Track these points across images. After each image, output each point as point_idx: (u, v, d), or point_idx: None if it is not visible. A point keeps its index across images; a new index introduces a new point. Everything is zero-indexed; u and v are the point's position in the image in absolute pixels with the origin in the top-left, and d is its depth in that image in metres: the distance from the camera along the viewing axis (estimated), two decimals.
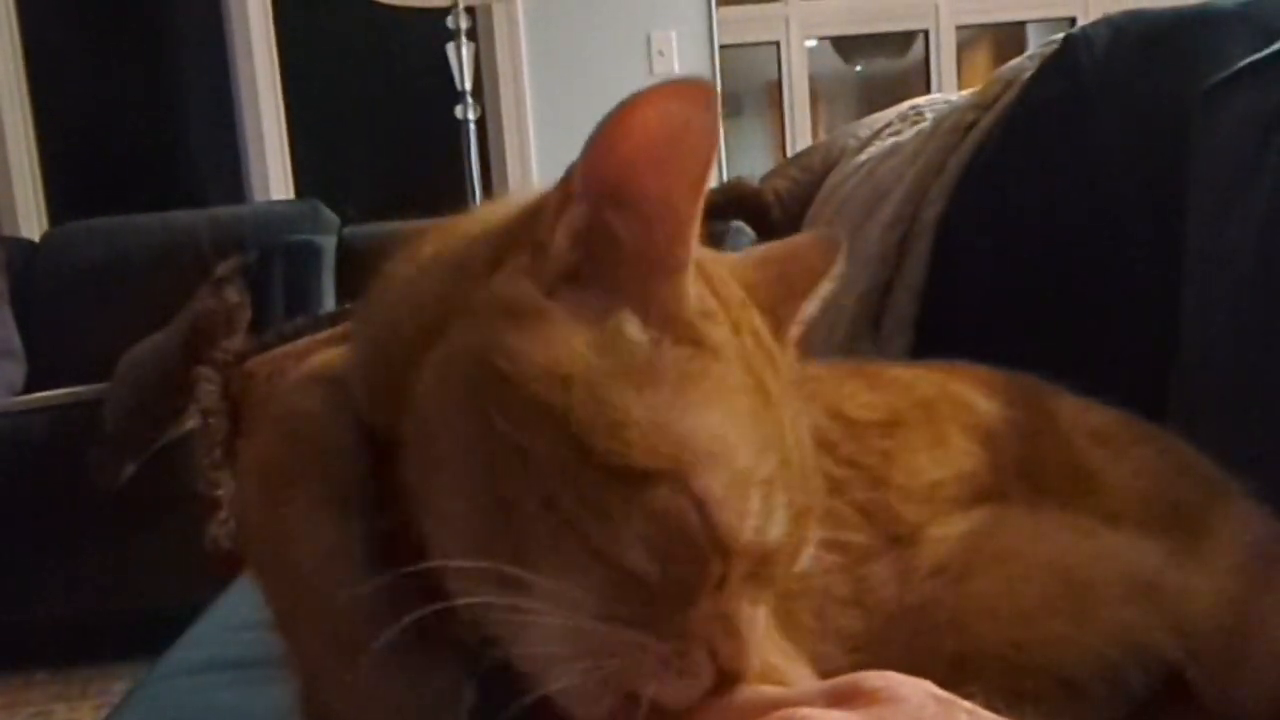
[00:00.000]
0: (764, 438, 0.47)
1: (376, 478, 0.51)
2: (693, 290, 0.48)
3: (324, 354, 0.60)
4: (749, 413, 0.47)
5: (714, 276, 0.50)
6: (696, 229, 0.47)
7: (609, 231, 0.47)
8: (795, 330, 0.57)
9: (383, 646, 0.48)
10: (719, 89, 4.10)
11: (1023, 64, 1.34)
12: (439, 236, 0.55)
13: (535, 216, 0.49)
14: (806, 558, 0.51)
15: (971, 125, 1.36)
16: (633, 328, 0.47)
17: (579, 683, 0.45)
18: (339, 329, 1.90)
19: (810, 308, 0.57)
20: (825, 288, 0.58)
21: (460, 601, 0.46)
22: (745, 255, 0.59)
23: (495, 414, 0.45)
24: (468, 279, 0.49)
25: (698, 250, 0.49)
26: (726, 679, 0.46)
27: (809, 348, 0.59)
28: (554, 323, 0.46)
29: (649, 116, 0.45)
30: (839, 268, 0.58)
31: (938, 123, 1.46)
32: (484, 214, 0.54)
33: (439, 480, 0.47)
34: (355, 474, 0.52)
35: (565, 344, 0.46)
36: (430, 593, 0.48)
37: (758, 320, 0.52)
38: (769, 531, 0.46)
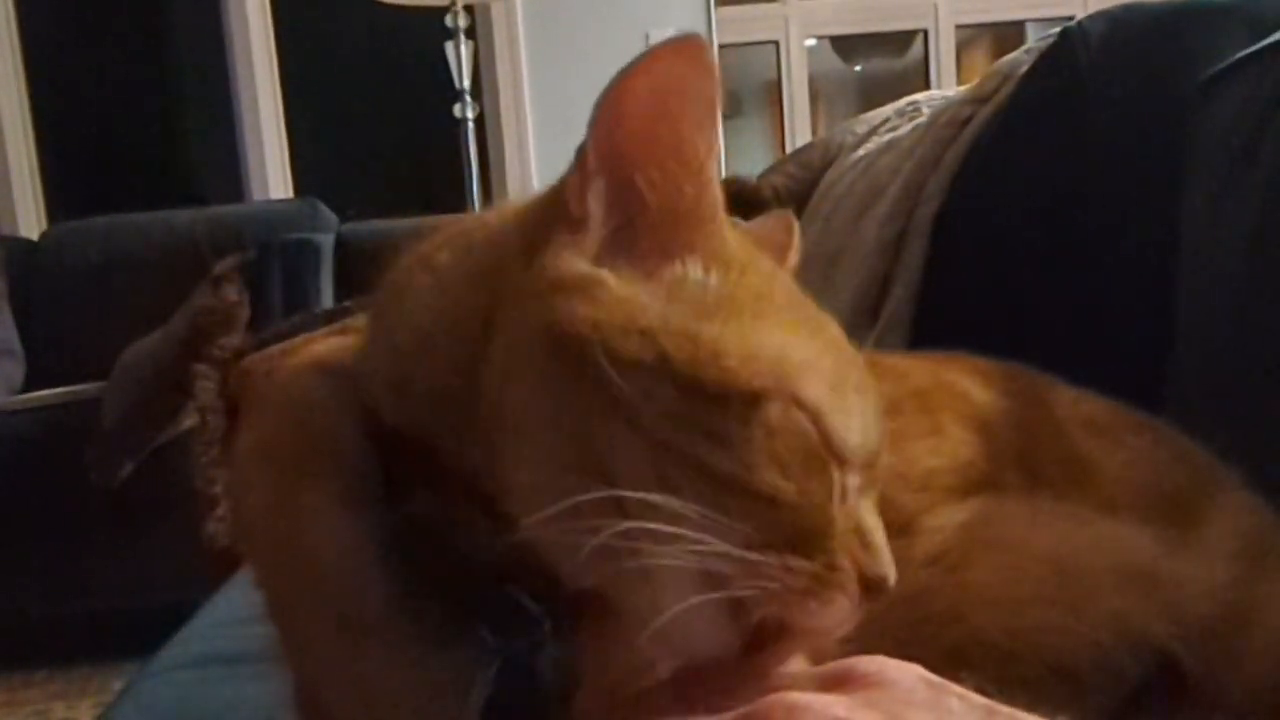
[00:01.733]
0: (841, 352, 0.50)
1: (385, 467, 0.52)
2: (730, 233, 0.50)
3: (322, 344, 0.60)
4: (819, 328, 0.50)
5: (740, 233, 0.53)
6: (716, 174, 0.49)
7: (634, 194, 0.49)
8: None
9: (393, 634, 0.49)
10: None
11: (1019, 58, 1.34)
12: (452, 243, 0.55)
13: (559, 200, 0.50)
14: (886, 458, 0.52)
15: (968, 119, 1.36)
16: (695, 269, 0.49)
17: (708, 613, 0.45)
18: (337, 327, 1.90)
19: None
20: (792, 259, 0.62)
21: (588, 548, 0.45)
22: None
23: (585, 382, 0.46)
24: (504, 274, 0.50)
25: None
26: (873, 589, 0.47)
27: None
28: (610, 287, 0.48)
29: (648, 78, 0.47)
30: (798, 239, 0.63)
31: (934, 117, 1.46)
32: (496, 218, 0.55)
33: (533, 454, 0.47)
34: (362, 463, 0.52)
35: (631, 302, 0.47)
36: (449, 581, 0.48)
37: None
38: (869, 437, 0.49)
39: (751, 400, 0.45)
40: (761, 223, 0.65)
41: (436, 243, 0.56)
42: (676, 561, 0.44)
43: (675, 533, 0.44)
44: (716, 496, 0.45)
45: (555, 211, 0.50)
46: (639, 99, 0.47)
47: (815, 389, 0.46)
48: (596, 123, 0.48)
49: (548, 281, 0.48)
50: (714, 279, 0.49)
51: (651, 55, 0.47)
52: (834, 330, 0.52)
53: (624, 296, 0.47)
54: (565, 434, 0.46)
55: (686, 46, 0.47)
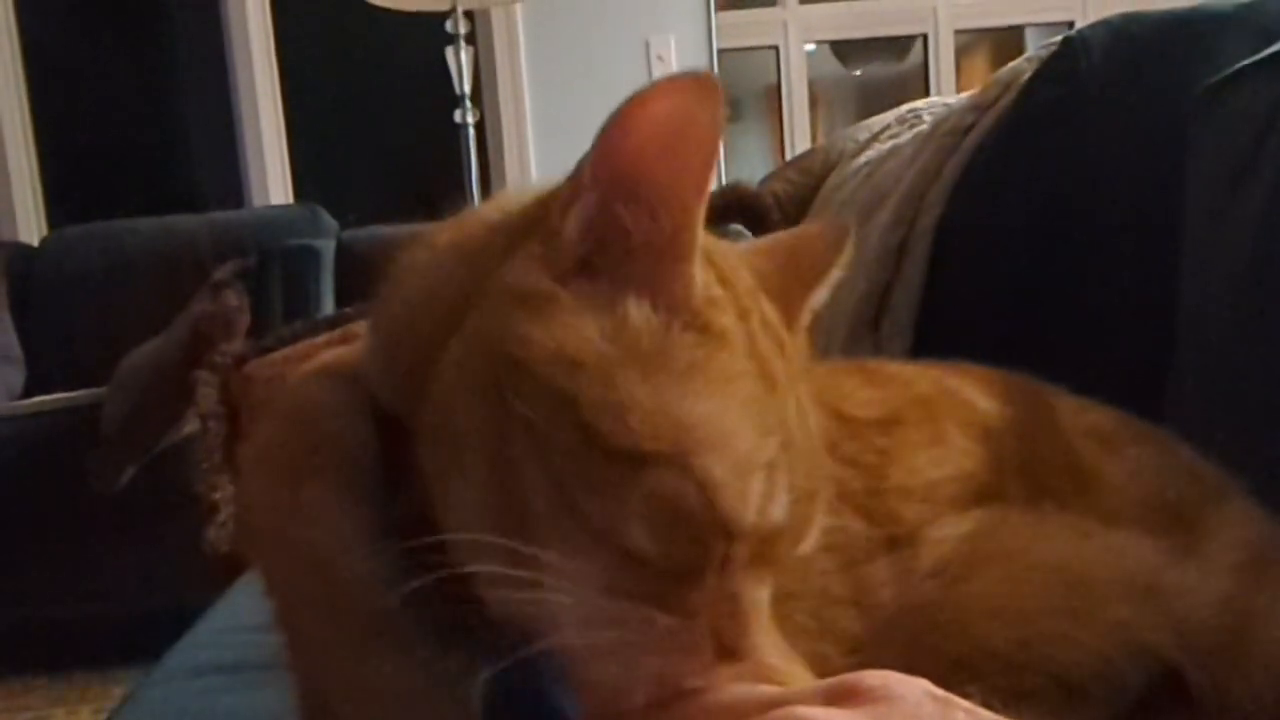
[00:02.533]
0: (766, 423, 0.48)
1: (389, 465, 0.52)
2: (700, 278, 0.49)
3: (330, 352, 0.61)
4: (752, 398, 0.48)
5: (723, 265, 0.51)
6: (701, 218, 0.48)
7: (618, 222, 0.48)
8: (805, 318, 0.57)
9: (398, 633, 0.49)
10: None
11: (1021, 66, 1.34)
12: (456, 225, 0.55)
13: (547, 207, 0.50)
14: (811, 541, 0.51)
15: (970, 128, 1.36)
16: (640, 314, 0.48)
17: (589, 655, 0.46)
18: (338, 333, 1.90)
19: (819, 296, 0.58)
20: (834, 275, 0.58)
21: (469, 569, 0.47)
22: (753, 245, 0.60)
23: (510, 398, 0.46)
24: (483, 268, 0.50)
25: (709, 240, 0.51)
26: (729, 656, 0.46)
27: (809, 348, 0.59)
28: (565, 310, 0.47)
29: (657, 110, 0.46)
30: (847, 255, 0.59)
31: (936, 125, 1.46)
32: (501, 203, 0.55)
33: (455, 463, 0.48)
34: (369, 462, 0.53)
35: (575, 330, 0.47)
36: (450, 581, 0.48)
37: (767, 307, 0.53)
38: (771, 513, 0.47)
39: (640, 461, 0.45)
40: (808, 230, 0.63)
41: (444, 224, 0.56)
42: (550, 598, 0.45)
43: (537, 578, 0.45)
44: (589, 543, 0.45)
45: (537, 220, 0.50)
46: (646, 130, 0.47)
47: (714, 463, 0.45)
48: (600, 142, 0.47)
49: (507, 289, 0.48)
50: (656, 325, 0.47)
51: (666, 86, 0.46)
52: (776, 399, 0.49)
53: (569, 322, 0.47)
54: (480, 444, 0.47)
55: (701, 84, 0.46)
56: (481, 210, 0.56)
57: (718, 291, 0.49)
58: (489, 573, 0.46)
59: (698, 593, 0.46)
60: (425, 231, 0.56)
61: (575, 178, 0.48)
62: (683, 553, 0.45)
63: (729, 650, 0.46)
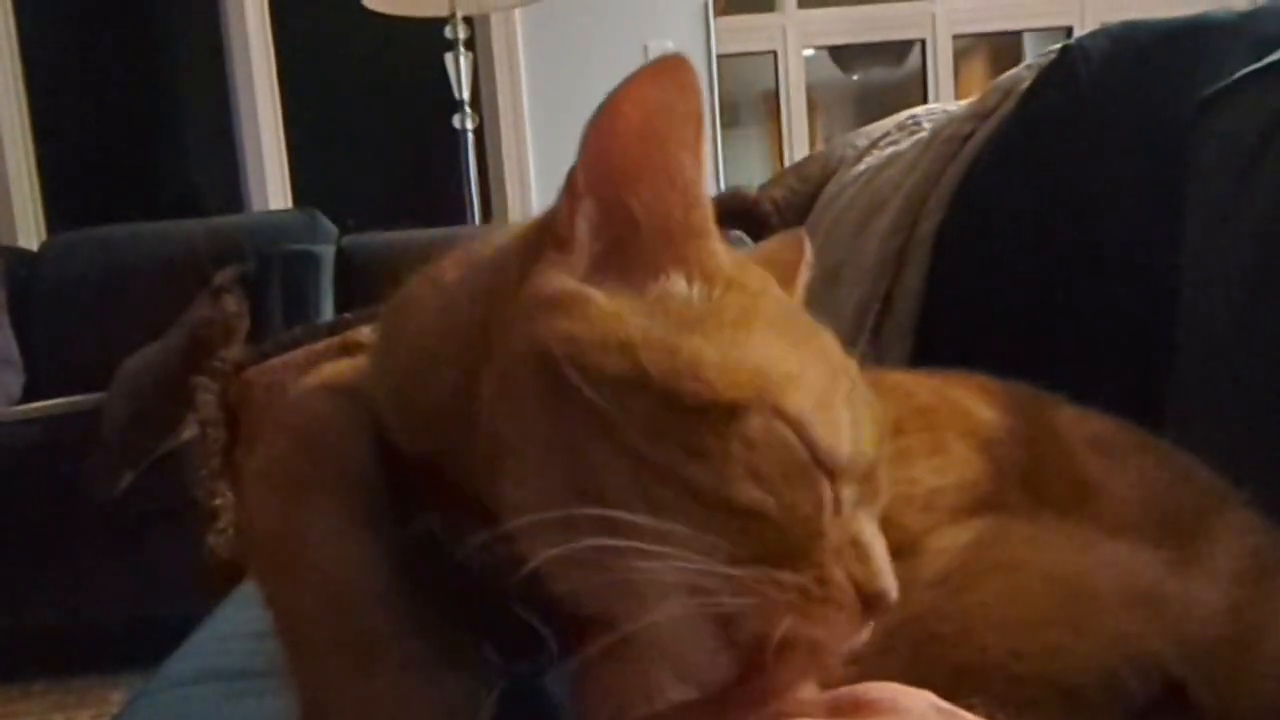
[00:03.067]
0: (832, 363, 0.50)
1: (394, 488, 0.52)
2: (722, 250, 0.51)
3: (331, 365, 0.61)
4: (808, 340, 0.50)
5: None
6: (705, 190, 0.49)
7: (625, 214, 0.49)
8: None
9: (401, 653, 0.49)
10: (716, 99, 4.12)
11: (1020, 74, 1.34)
12: (458, 263, 0.56)
13: (549, 225, 0.50)
14: (890, 483, 0.52)
15: (969, 135, 1.36)
16: (680, 284, 0.49)
17: (696, 628, 0.45)
18: (338, 339, 1.90)
19: (798, 298, 0.61)
20: (805, 275, 0.62)
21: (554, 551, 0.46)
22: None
23: (569, 398, 0.46)
24: (501, 295, 0.50)
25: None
26: (872, 605, 0.46)
27: None
28: (598, 304, 0.48)
29: (636, 99, 0.48)
30: (809, 256, 0.63)
31: (935, 133, 1.46)
32: (502, 238, 0.55)
33: (526, 471, 0.48)
34: (374, 482, 0.53)
35: (615, 317, 0.47)
36: (457, 602, 0.49)
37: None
38: (863, 448, 0.48)
39: (729, 412, 0.45)
40: (771, 242, 0.65)
41: (445, 262, 0.56)
42: (659, 576, 0.44)
43: (656, 550, 0.44)
44: (699, 511, 0.45)
45: (546, 233, 0.50)
46: (627, 121, 0.48)
47: (799, 401, 0.46)
48: (586, 146, 0.48)
49: (535, 300, 0.48)
50: (698, 293, 0.49)
51: (637, 78, 0.47)
52: (827, 343, 0.52)
53: (608, 312, 0.48)
54: (554, 451, 0.47)
55: (671, 67, 0.48)
56: (480, 247, 0.56)
57: (741, 260, 0.52)
58: (576, 556, 0.45)
59: (822, 542, 0.46)
60: (427, 269, 0.56)
61: (571, 186, 0.49)
62: (795, 498, 0.46)
63: (871, 596, 0.46)
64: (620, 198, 0.49)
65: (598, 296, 0.48)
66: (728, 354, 0.46)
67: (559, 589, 0.48)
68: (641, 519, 0.44)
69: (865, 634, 0.48)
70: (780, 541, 0.45)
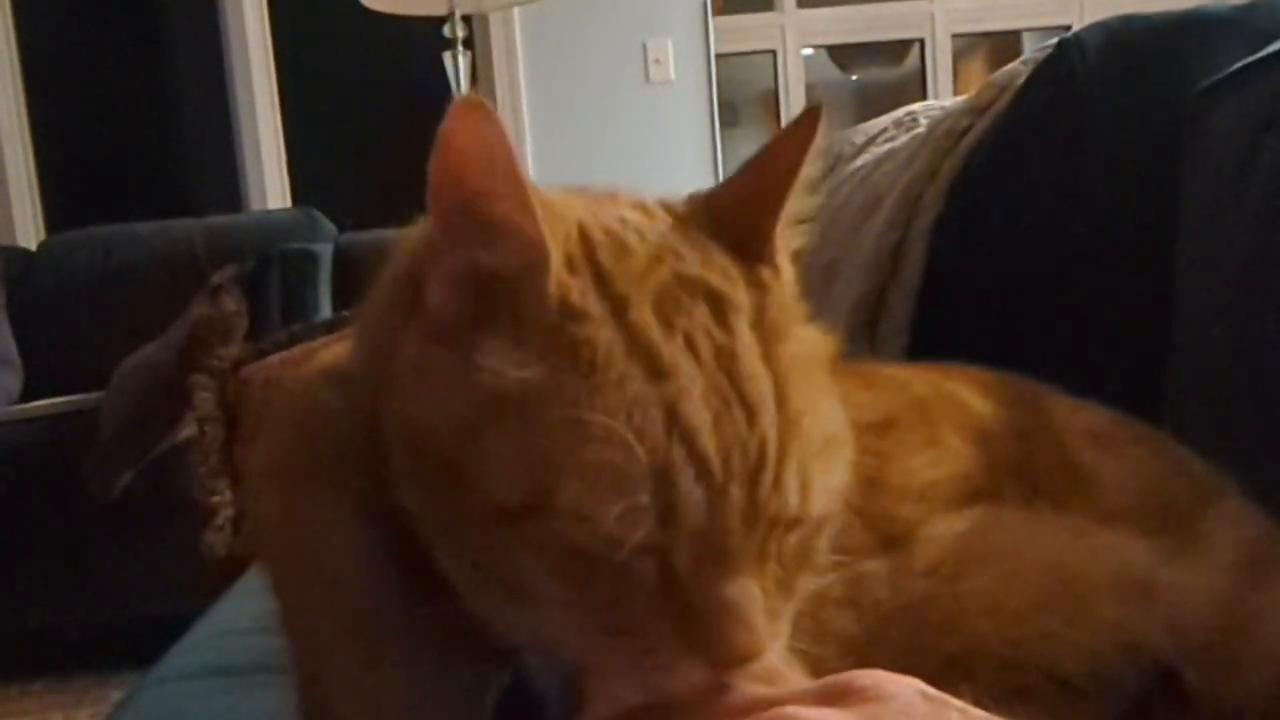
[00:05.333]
0: (639, 427, 0.44)
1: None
2: (555, 291, 0.46)
3: (329, 350, 0.61)
4: (618, 408, 0.44)
5: (603, 255, 0.49)
6: (537, 229, 0.46)
7: (481, 264, 0.47)
8: (791, 234, 0.54)
9: (407, 644, 0.49)
10: (715, 98, 4.12)
11: (1017, 69, 1.34)
12: (388, 270, 0.55)
13: (417, 277, 0.49)
14: (800, 501, 0.47)
15: (966, 130, 1.36)
16: (495, 359, 0.46)
17: (592, 678, 0.46)
18: (335, 337, 1.90)
19: (801, 204, 0.54)
20: (808, 170, 0.53)
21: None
22: (729, 179, 0.56)
23: (421, 476, 0.46)
24: (395, 321, 0.50)
25: (609, 216, 0.51)
26: (722, 665, 0.45)
27: None
28: (442, 372, 0.46)
29: (453, 152, 0.46)
30: (819, 140, 0.53)
31: (932, 128, 1.46)
32: (400, 263, 0.54)
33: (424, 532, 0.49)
34: (376, 472, 0.52)
35: (453, 391, 0.46)
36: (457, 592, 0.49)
37: (683, 267, 0.49)
38: (681, 515, 0.44)
39: (515, 515, 0.43)
40: (777, 135, 0.55)
41: (387, 268, 0.56)
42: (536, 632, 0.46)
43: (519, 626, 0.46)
44: (527, 596, 0.45)
45: (412, 291, 0.50)
46: (450, 167, 0.46)
47: (578, 495, 0.43)
48: (430, 201, 0.48)
49: (403, 366, 0.48)
50: (513, 366, 0.45)
51: (449, 121, 0.46)
52: (692, 382, 0.45)
53: (449, 383, 0.46)
54: (423, 522, 0.48)
55: (472, 107, 0.45)
56: (401, 254, 0.55)
57: (577, 300, 0.46)
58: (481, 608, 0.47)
59: (641, 615, 0.44)
60: (389, 260, 0.56)
61: (429, 242, 0.49)
62: (608, 587, 0.44)
63: (719, 661, 0.44)
64: (469, 248, 0.47)
65: (443, 362, 0.46)
66: (516, 446, 0.44)
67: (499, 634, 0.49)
68: (500, 593, 0.46)
69: (748, 677, 0.46)
70: (601, 621, 0.44)
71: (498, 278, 0.47)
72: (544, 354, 0.45)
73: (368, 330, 0.54)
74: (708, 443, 0.44)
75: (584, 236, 0.49)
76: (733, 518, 0.45)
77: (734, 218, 0.52)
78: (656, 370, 0.45)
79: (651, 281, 0.48)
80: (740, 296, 0.49)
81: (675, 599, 0.44)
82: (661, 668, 0.45)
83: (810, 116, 0.53)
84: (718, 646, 0.44)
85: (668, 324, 0.47)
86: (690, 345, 0.46)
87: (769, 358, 0.48)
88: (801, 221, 0.54)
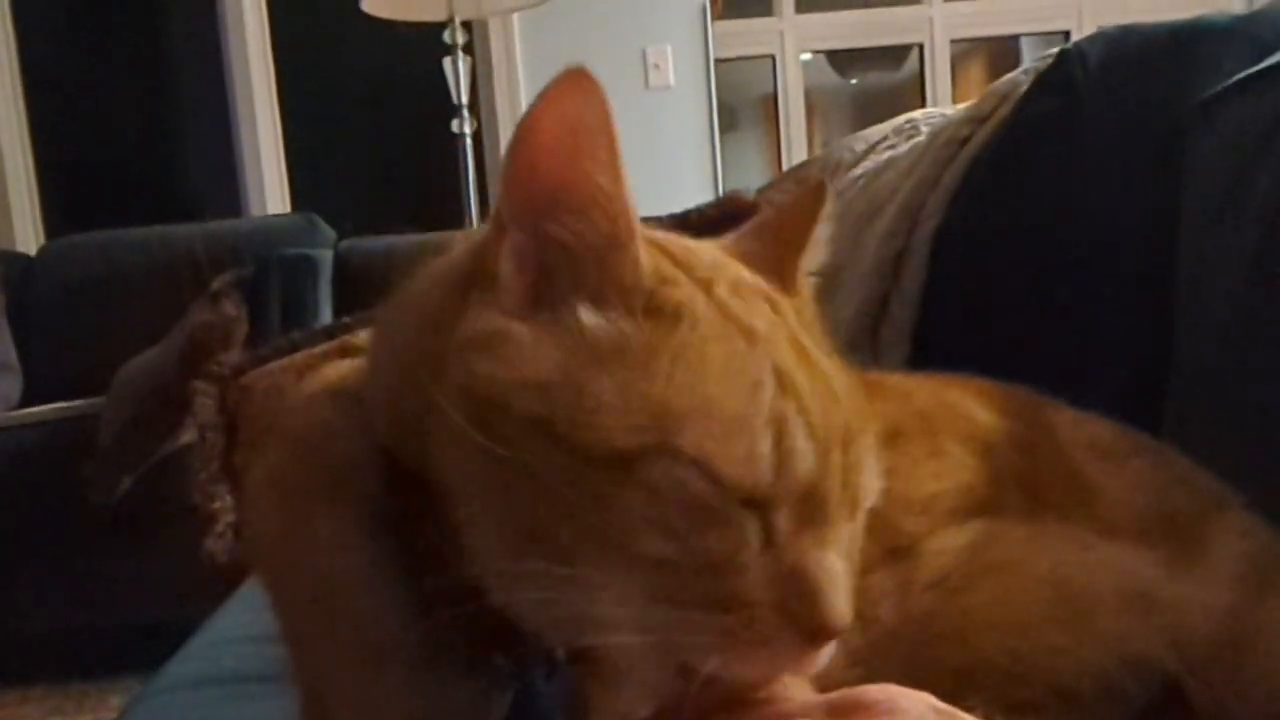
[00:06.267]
0: (753, 378, 0.46)
1: (397, 494, 0.52)
2: (646, 260, 0.48)
3: (334, 367, 0.61)
4: (728, 359, 0.46)
5: (675, 249, 0.51)
6: (629, 202, 0.48)
7: (553, 240, 0.48)
8: (802, 280, 0.57)
9: (411, 660, 0.49)
10: (715, 103, 4.12)
11: (1018, 78, 1.34)
12: (426, 272, 0.55)
13: (480, 256, 0.50)
14: (870, 482, 0.49)
15: (967, 139, 1.36)
16: (588, 315, 0.47)
17: (643, 664, 0.46)
18: (336, 343, 1.90)
19: (813, 257, 0.58)
20: (822, 231, 0.58)
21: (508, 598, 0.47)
22: (738, 233, 0.59)
23: (495, 440, 0.45)
24: (446, 323, 0.50)
25: (660, 234, 0.51)
26: (814, 636, 0.45)
27: None
28: (523, 341, 0.47)
29: (548, 125, 0.46)
30: (829, 208, 0.58)
31: (933, 136, 1.46)
32: (455, 251, 0.55)
33: (470, 508, 0.48)
34: (378, 489, 0.52)
35: (537, 356, 0.46)
36: (461, 607, 0.48)
37: (740, 272, 0.52)
38: (795, 467, 0.45)
39: (627, 460, 0.44)
40: (788, 200, 0.60)
41: (425, 269, 0.56)
42: (601, 616, 0.44)
43: (588, 597, 0.44)
44: (617, 559, 0.44)
45: (475, 268, 0.50)
46: (544, 144, 0.47)
47: (699, 437, 0.44)
48: (506, 175, 0.48)
49: (463, 341, 0.48)
50: (610, 321, 0.47)
51: (543, 99, 0.46)
52: (780, 350, 0.48)
53: (529, 350, 0.46)
54: (491, 501, 0.47)
55: (577, 81, 0.46)
56: (444, 257, 0.55)
57: (669, 270, 0.49)
58: (527, 598, 0.46)
59: (748, 579, 0.44)
60: (420, 267, 0.56)
61: (495, 220, 0.49)
62: (708, 543, 0.44)
63: (812, 631, 0.44)
64: (546, 223, 0.48)
65: (522, 333, 0.47)
66: (627, 394, 0.45)
67: (524, 624, 0.48)
68: (569, 570, 0.44)
69: (819, 659, 0.46)
70: (699, 585, 0.44)
71: (582, 248, 0.48)
72: (645, 311, 0.47)
73: (408, 320, 0.54)
74: (812, 404, 0.46)
75: (647, 238, 0.50)
76: (834, 479, 0.47)
77: (760, 259, 0.55)
78: (753, 336, 0.48)
79: (724, 275, 0.51)
80: (788, 307, 0.52)
81: (776, 566, 0.45)
82: (760, 639, 0.44)
83: (819, 187, 0.58)
84: (818, 612, 0.44)
85: (747, 306, 0.49)
86: (771, 327, 0.49)
87: (826, 356, 0.51)
88: (813, 274, 0.58)
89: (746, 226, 0.60)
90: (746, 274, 0.52)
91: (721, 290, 0.49)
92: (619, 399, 0.44)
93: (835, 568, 0.46)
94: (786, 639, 0.44)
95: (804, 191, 0.59)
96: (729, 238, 0.59)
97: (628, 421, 0.44)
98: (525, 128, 0.47)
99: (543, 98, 0.46)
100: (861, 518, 0.50)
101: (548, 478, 0.44)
